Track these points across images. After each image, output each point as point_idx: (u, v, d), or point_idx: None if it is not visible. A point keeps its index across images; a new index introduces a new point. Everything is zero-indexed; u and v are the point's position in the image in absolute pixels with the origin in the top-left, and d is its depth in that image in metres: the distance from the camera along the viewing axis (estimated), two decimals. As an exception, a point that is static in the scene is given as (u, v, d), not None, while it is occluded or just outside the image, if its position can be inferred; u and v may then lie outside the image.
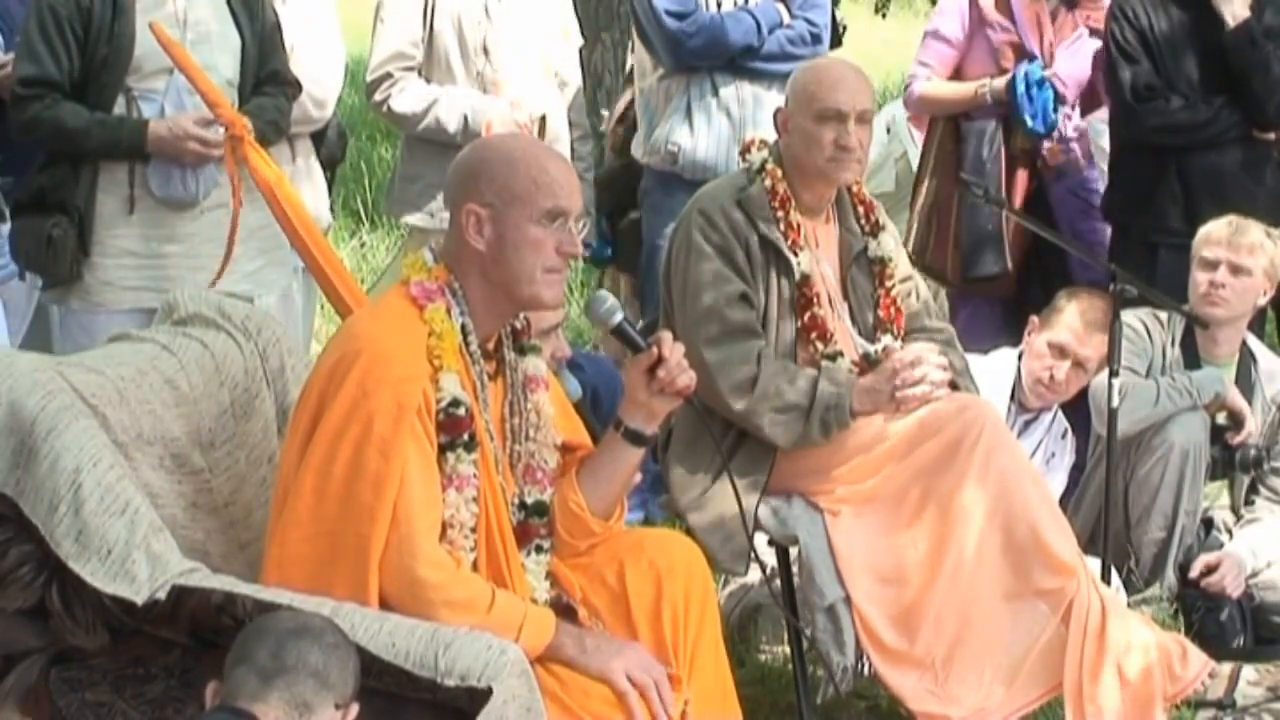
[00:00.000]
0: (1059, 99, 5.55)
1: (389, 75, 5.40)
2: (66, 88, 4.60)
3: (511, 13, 5.38)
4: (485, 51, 5.34)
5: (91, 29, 4.58)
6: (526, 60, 5.37)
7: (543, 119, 5.37)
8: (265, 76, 4.86)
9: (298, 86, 5.01)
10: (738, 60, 5.61)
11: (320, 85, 5.26)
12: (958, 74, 5.76)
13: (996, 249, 5.54)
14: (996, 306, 5.72)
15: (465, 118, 5.28)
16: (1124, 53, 5.39)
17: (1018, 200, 5.62)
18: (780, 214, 4.20)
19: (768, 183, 4.22)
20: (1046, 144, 5.60)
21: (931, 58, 5.79)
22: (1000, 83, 5.61)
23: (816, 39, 5.69)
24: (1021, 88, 5.53)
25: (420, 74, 5.42)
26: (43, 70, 4.58)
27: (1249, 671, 4.70)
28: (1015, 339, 5.28)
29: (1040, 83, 5.52)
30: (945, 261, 5.71)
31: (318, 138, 5.42)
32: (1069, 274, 5.57)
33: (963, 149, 5.69)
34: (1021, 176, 5.66)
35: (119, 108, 4.65)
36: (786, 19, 5.66)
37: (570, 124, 5.61)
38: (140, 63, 4.63)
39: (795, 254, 4.19)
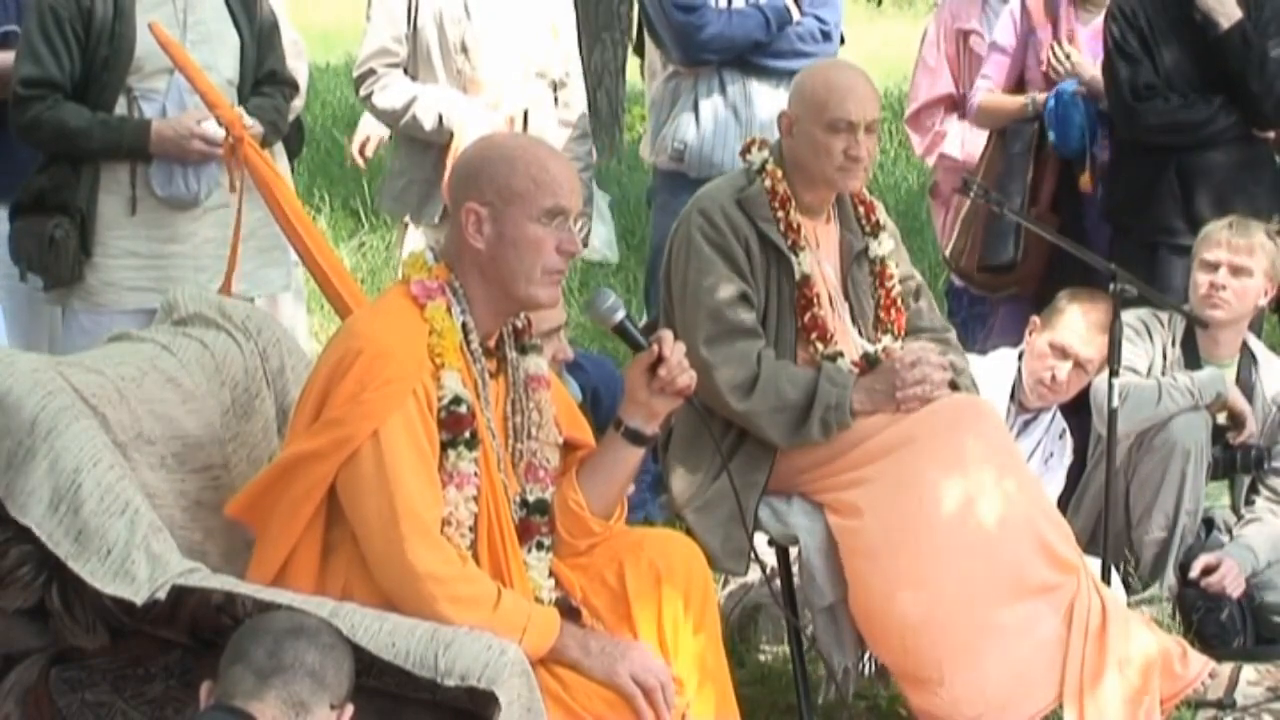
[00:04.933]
0: (1100, 119, 5.53)
1: (373, 71, 5.41)
2: (68, 88, 4.60)
3: (493, 11, 5.36)
4: (464, 50, 5.34)
5: (93, 29, 4.58)
6: (507, 59, 5.36)
7: (524, 116, 5.37)
8: (263, 76, 4.86)
9: (295, 86, 5.01)
10: (747, 56, 5.62)
11: (297, 77, 5.25)
12: (1021, 83, 5.74)
13: (1011, 240, 5.52)
14: (1028, 304, 5.71)
15: (440, 117, 5.29)
16: (1122, 52, 5.39)
17: (1043, 198, 5.64)
18: (780, 214, 4.19)
19: (767, 183, 4.22)
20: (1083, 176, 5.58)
21: (991, 69, 5.82)
22: (1043, 97, 5.63)
23: (826, 36, 5.70)
24: (1052, 103, 5.55)
25: (406, 70, 5.42)
26: (44, 71, 4.57)
27: (1249, 671, 4.70)
28: None
29: (1071, 101, 5.51)
30: (974, 263, 5.74)
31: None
32: (1092, 271, 5.56)
33: (1006, 149, 5.72)
34: (1049, 178, 5.65)
35: (120, 108, 4.64)
36: (796, 16, 5.67)
37: (570, 125, 5.60)
38: (141, 63, 4.62)
39: (796, 254, 4.18)
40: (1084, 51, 5.64)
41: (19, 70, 4.62)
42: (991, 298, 5.86)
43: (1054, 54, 5.64)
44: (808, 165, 4.20)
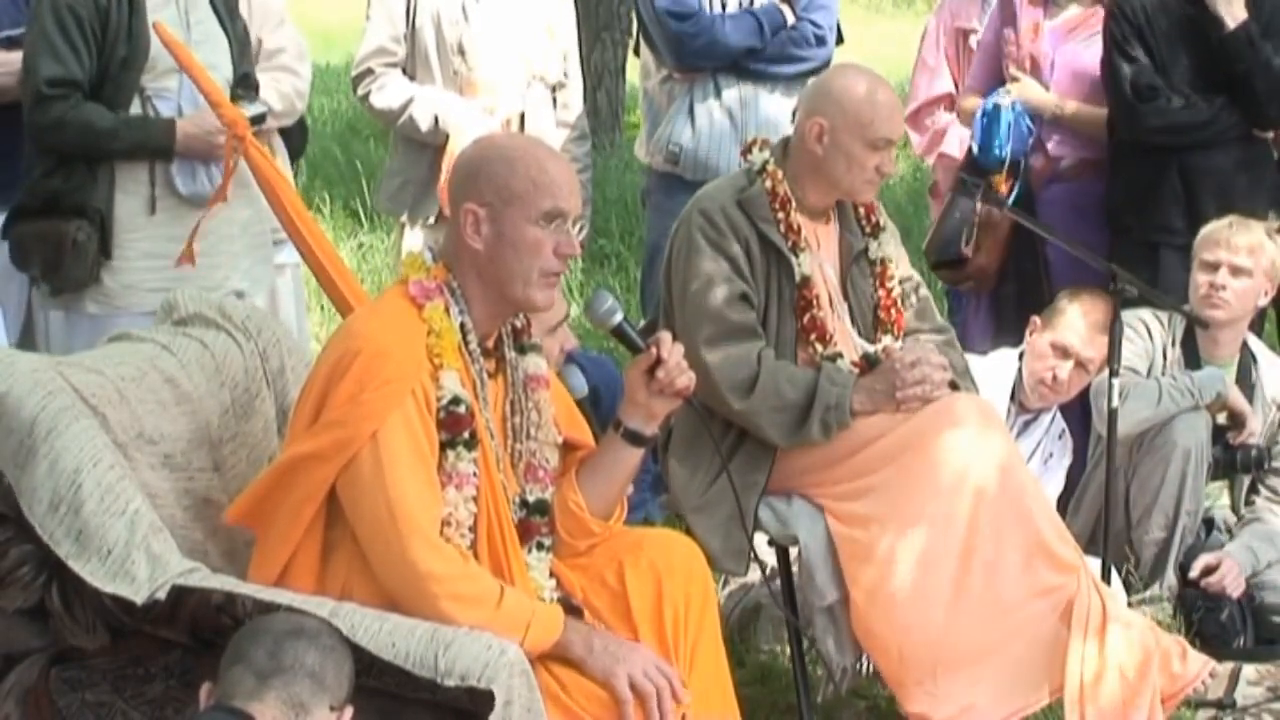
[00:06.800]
0: (1031, 128, 5.53)
1: (371, 70, 5.42)
2: (87, 88, 4.58)
3: (490, 12, 5.37)
4: (461, 51, 5.35)
5: (109, 29, 4.57)
6: (505, 61, 5.37)
7: (521, 117, 5.37)
8: (239, 79, 4.86)
9: (258, 89, 4.99)
10: (741, 62, 5.62)
11: (301, 77, 5.26)
12: (1003, 81, 5.75)
13: (959, 237, 5.57)
14: (986, 300, 5.76)
15: (436, 118, 5.29)
16: (1124, 52, 5.38)
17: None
18: (780, 215, 4.19)
19: (768, 184, 4.21)
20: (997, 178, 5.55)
21: (975, 68, 5.86)
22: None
23: (821, 40, 5.71)
24: (979, 113, 5.55)
25: (404, 70, 5.43)
26: (67, 70, 4.55)
27: (1249, 671, 4.71)
28: (999, 335, 5.30)
29: (994, 113, 5.51)
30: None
31: (284, 131, 5.41)
32: (1043, 273, 5.59)
33: None
34: (1001, 181, 5.67)
35: (134, 107, 4.64)
36: (790, 20, 5.67)
37: (568, 126, 5.60)
38: (155, 62, 4.62)
39: (796, 255, 4.18)
40: (1047, 46, 5.63)
41: (41, 70, 4.57)
42: (961, 289, 5.89)
43: (1007, 71, 5.65)
44: (835, 175, 4.19)
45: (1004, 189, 5.53)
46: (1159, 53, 5.37)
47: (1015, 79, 5.59)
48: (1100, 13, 5.58)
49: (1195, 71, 5.38)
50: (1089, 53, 5.58)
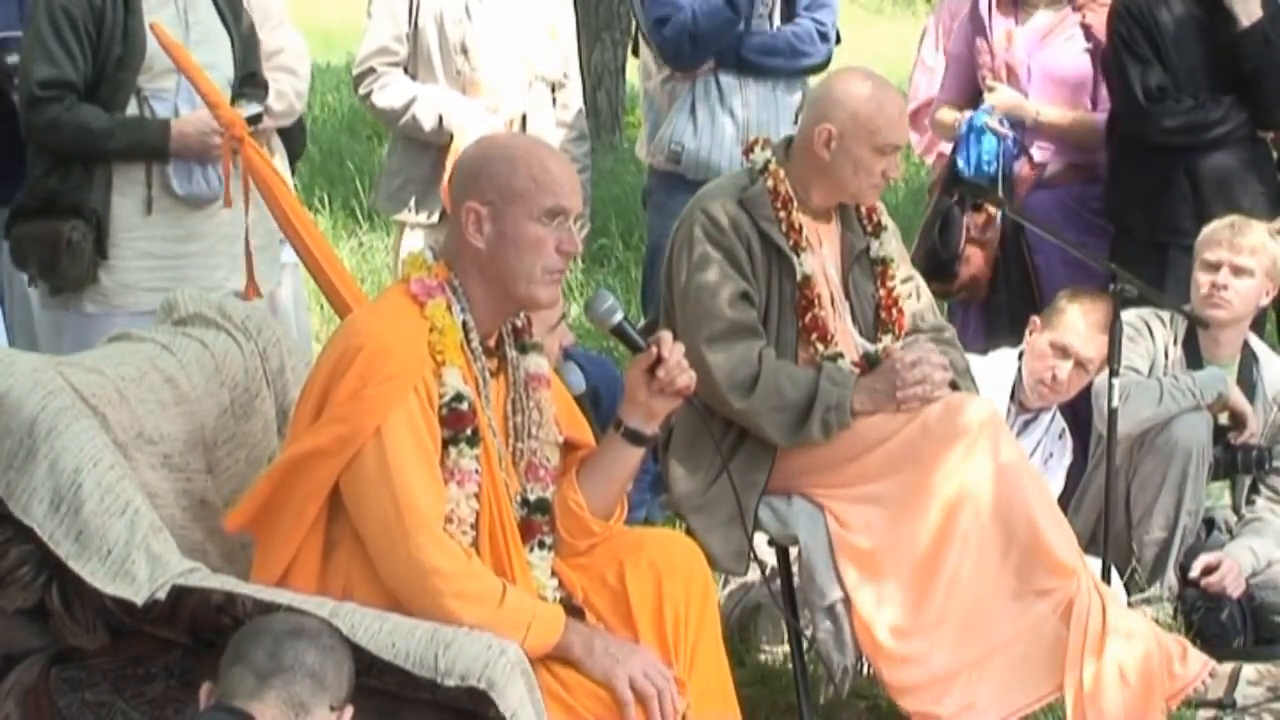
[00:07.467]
0: (1016, 146, 5.54)
1: (372, 70, 5.42)
2: (81, 89, 4.58)
3: (493, 12, 5.37)
4: (464, 50, 5.35)
5: (104, 29, 4.56)
6: (507, 61, 5.37)
7: (523, 118, 5.38)
8: (244, 77, 4.86)
9: (266, 88, 5.00)
10: (744, 56, 5.63)
11: (300, 78, 5.26)
12: (976, 90, 5.73)
13: (946, 249, 5.59)
14: (978, 310, 5.77)
15: (440, 118, 5.29)
16: (1133, 52, 5.35)
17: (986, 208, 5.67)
18: (782, 214, 4.19)
19: (770, 183, 4.21)
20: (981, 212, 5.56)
21: (946, 79, 5.85)
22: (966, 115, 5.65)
23: (824, 37, 5.73)
24: (964, 130, 5.55)
25: (407, 70, 5.43)
26: (61, 72, 4.55)
27: (1249, 671, 4.70)
28: (991, 344, 5.31)
29: (981, 130, 5.51)
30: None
31: (283, 132, 5.41)
32: (1033, 280, 5.58)
33: None
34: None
35: (130, 108, 4.63)
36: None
37: (567, 125, 5.60)
38: (151, 62, 4.62)
39: (797, 254, 4.18)
40: (1021, 53, 5.62)
41: (34, 72, 4.57)
42: (953, 300, 5.88)
43: (983, 81, 5.65)
44: (841, 179, 4.19)
45: (985, 215, 5.57)
46: (1166, 53, 5.36)
47: (991, 89, 5.59)
48: (1071, 15, 5.58)
49: (1202, 71, 5.36)
50: (1064, 57, 5.59)
